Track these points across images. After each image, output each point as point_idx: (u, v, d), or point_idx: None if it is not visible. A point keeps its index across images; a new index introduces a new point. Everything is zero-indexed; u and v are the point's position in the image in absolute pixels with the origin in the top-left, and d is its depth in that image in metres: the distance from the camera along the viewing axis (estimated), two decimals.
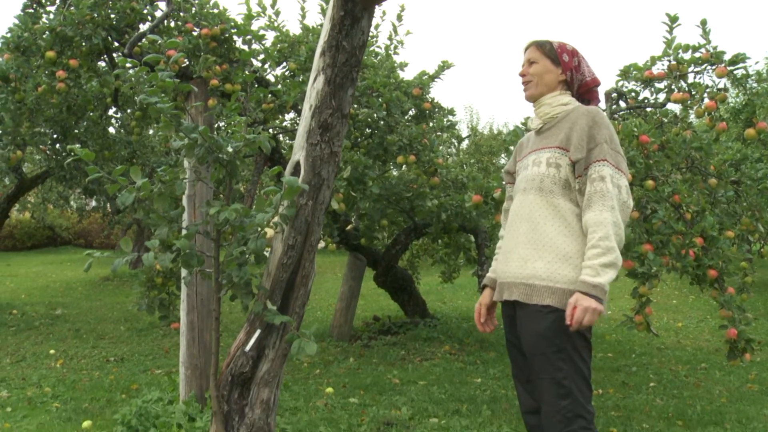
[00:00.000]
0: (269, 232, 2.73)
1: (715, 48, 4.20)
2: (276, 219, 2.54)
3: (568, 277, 2.16)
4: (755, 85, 4.36)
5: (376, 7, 2.68)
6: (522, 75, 2.45)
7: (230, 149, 2.63)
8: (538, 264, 2.21)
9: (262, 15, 5.39)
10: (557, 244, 2.20)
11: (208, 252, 2.75)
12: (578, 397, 2.13)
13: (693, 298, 9.28)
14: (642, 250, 3.59)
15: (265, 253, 2.61)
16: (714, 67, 4.12)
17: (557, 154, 2.26)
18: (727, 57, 4.11)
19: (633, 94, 5.04)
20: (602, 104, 5.06)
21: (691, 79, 4.36)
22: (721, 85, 4.18)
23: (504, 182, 2.71)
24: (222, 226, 2.63)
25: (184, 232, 2.66)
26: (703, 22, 4.23)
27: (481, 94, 40.18)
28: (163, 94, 2.52)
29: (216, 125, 4.74)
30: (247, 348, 2.62)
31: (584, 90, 2.43)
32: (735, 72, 4.10)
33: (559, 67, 2.38)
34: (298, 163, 2.58)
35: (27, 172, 8.92)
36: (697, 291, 9.64)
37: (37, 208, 15.57)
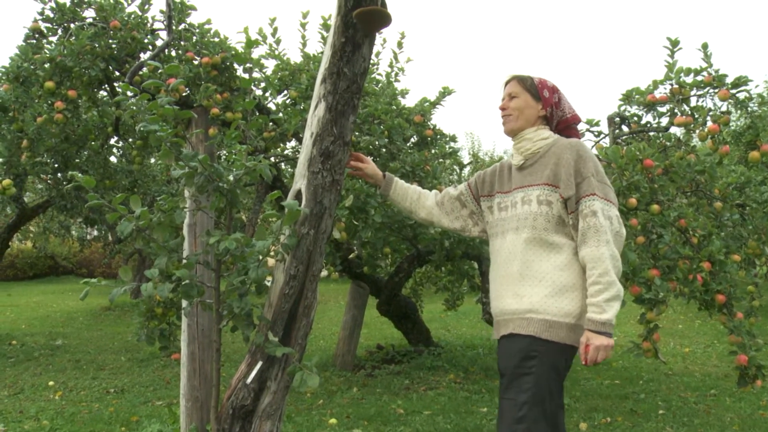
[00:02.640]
0: (271, 261, 2.69)
1: (716, 71, 4.19)
2: (278, 248, 2.50)
3: (565, 309, 2.19)
4: (756, 108, 4.33)
5: (377, 34, 2.67)
6: (502, 109, 2.48)
7: (231, 178, 2.60)
8: (535, 298, 2.22)
9: (263, 43, 5.41)
10: (553, 278, 2.22)
11: (209, 282, 2.71)
12: (533, 427, 2.11)
13: (699, 322, 9.19)
14: (649, 275, 3.54)
15: (266, 282, 2.57)
16: (716, 91, 4.10)
17: (547, 191, 2.28)
18: (729, 80, 4.10)
19: (635, 118, 5.02)
20: (603, 129, 5.06)
21: (693, 102, 4.34)
22: (723, 108, 4.16)
23: (461, 186, 2.72)
24: (222, 255, 2.58)
25: (184, 261, 2.62)
26: (704, 46, 4.23)
27: (483, 120, 40.37)
28: (163, 123, 2.49)
29: (217, 154, 4.72)
30: (249, 380, 2.56)
31: (563, 126, 2.46)
32: (737, 95, 4.08)
33: (539, 103, 2.41)
34: (299, 192, 2.54)
35: (28, 202, 8.91)
36: (703, 316, 9.56)
37: (39, 237, 15.54)
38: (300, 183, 2.54)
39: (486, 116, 40.00)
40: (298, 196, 2.55)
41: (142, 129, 2.57)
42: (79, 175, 2.48)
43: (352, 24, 2.46)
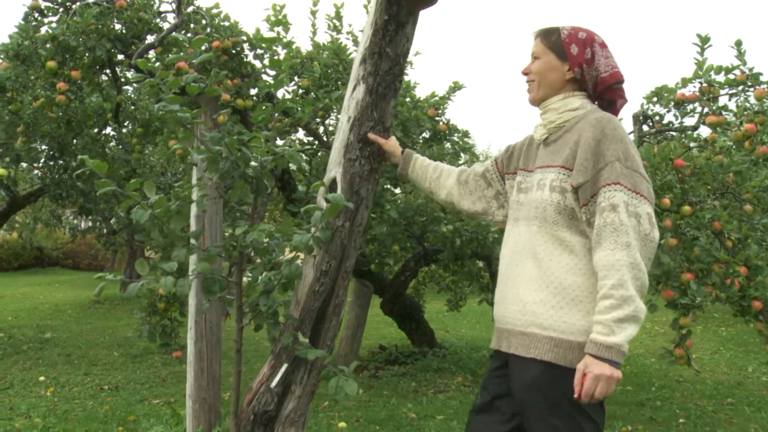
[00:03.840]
0: (288, 254, 2.49)
1: (751, 69, 4.04)
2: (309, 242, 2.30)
3: (576, 325, 1.76)
4: None
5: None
6: (524, 73, 2.04)
7: (256, 164, 2.40)
8: (540, 308, 1.81)
9: (272, 30, 5.21)
10: (564, 284, 1.79)
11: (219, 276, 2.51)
12: None
13: (701, 328, 9.07)
14: (683, 279, 3.38)
15: None
16: (752, 89, 3.95)
17: (562, 176, 1.84)
18: (765, 78, 3.96)
19: (657, 117, 4.88)
20: (628, 123, 4.90)
21: (723, 101, 4.20)
22: (757, 108, 4.01)
23: (488, 161, 2.29)
24: (246, 248, 2.39)
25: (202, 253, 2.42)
26: (738, 43, 4.08)
27: (492, 116, 40.21)
28: (191, 103, 2.30)
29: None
30: (273, 384, 2.36)
31: (603, 88, 1.95)
32: None
33: (566, 63, 1.93)
34: (334, 180, 2.34)
35: (20, 190, 8.62)
36: (705, 321, 9.46)
37: (25, 227, 15.21)
38: (335, 171, 2.35)
39: (495, 111, 39.75)
40: (332, 185, 2.35)
41: (158, 110, 2.36)
42: (89, 159, 2.28)
43: (397, 1, 2.27)
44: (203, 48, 4.34)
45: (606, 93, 1.97)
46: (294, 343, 2.27)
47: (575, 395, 1.68)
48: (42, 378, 5.61)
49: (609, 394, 1.66)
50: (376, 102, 2.30)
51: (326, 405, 4.83)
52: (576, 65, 1.93)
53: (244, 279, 2.46)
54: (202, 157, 2.37)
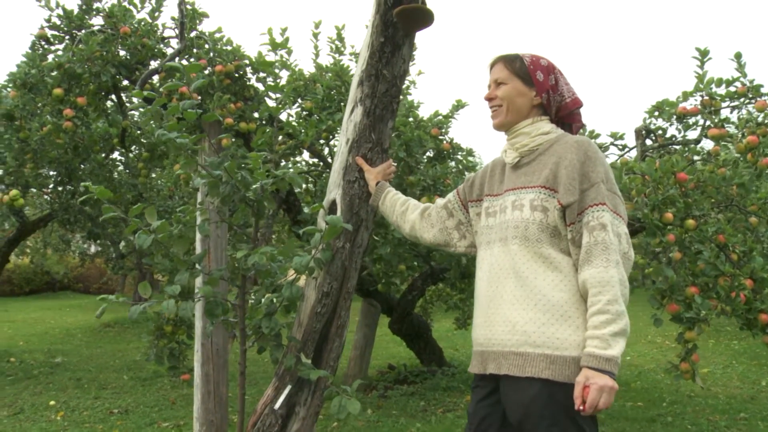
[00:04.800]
0: (291, 275, 2.51)
1: (751, 81, 4.05)
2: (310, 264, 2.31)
3: (569, 340, 1.77)
4: None
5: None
6: (488, 98, 2.06)
7: (257, 188, 2.42)
8: (530, 327, 1.81)
9: (274, 53, 5.26)
10: (552, 301, 1.81)
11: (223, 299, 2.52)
12: None
13: (713, 342, 9.00)
14: (688, 293, 3.36)
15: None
16: (753, 101, 3.96)
17: (543, 195, 1.87)
18: (765, 90, 3.96)
19: (660, 131, 4.89)
20: (630, 137, 4.91)
21: (725, 113, 4.20)
22: (759, 120, 4.02)
23: (450, 193, 2.29)
24: (249, 271, 2.41)
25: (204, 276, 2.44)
26: (738, 56, 4.09)
27: (492, 136, 40.30)
28: (184, 130, 2.32)
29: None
30: (277, 406, 2.37)
31: (564, 113, 2.03)
32: None
33: (532, 89, 1.98)
34: (333, 202, 2.36)
35: (29, 215, 8.70)
36: (716, 335, 9.39)
37: (36, 252, 15.30)
38: (334, 193, 2.37)
39: (487, 132, 39.93)
40: (332, 206, 2.37)
41: (158, 137, 2.39)
42: (92, 186, 2.32)
43: (392, 23, 2.30)
44: (206, 72, 4.41)
45: (567, 118, 2.05)
46: (297, 365, 2.28)
47: (577, 407, 1.69)
48: (52, 402, 5.63)
49: (610, 404, 1.69)
50: (374, 123, 2.33)
51: (335, 425, 4.82)
52: (543, 91, 1.99)
53: (250, 301, 2.47)
54: (204, 182, 2.39)
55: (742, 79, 4.10)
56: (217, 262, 3.61)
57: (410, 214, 2.33)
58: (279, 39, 5.31)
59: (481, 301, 1.99)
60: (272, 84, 4.43)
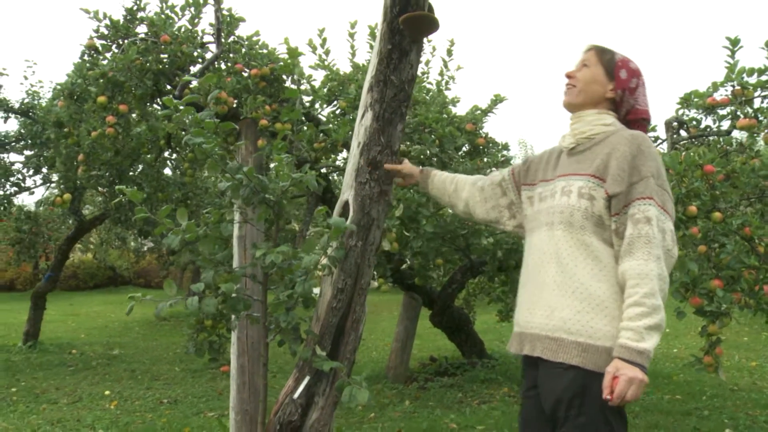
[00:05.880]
0: (320, 274, 2.64)
1: None
2: (324, 261, 2.45)
3: (603, 330, 1.81)
4: None
5: (425, 40, 2.60)
6: (568, 76, 2.12)
7: (277, 189, 2.56)
8: (567, 313, 1.86)
9: (313, 53, 5.41)
10: (590, 290, 1.85)
11: (256, 296, 2.67)
12: None
13: (766, 335, 8.81)
14: (711, 286, 3.37)
15: (314, 296, 2.52)
16: None
17: (591, 184, 1.91)
18: None
19: (694, 122, 4.84)
20: (661, 129, 4.88)
21: (757, 104, 4.15)
22: None
23: (505, 170, 2.36)
24: (269, 269, 2.55)
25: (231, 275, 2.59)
26: None
27: (536, 128, 39.88)
28: (214, 134, 2.47)
29: (266, 166, 4.72)
30: (296, 395, 2.51)
31: (632, 118, 2.07)
32: None
33: (611, 82, 2.04)
34: (346, 203, 2.49)
35: (87, 214, 9.13)
36: None
37: (99, 248, 15.93)
38: (347, 194, 2.49)
39: (539, 124, 39.49)
40: (345, 207, 2.50)
41: (187, 141, 2.56)
42: (126, 189, 2.49)
43: (399, 30, 2.40)
44: (244, 75, 4.58)
45: (633, 123, 2.07)
46: (312, 356, 2.41)
47: (605, 396, 1.73)
48: (107, 392, 5.93)
49: (638, 397, 1.72)
50: (383, 127, 2.44)
51: (372, 416, 4.96)
52: (620, 88, 2.04)
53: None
54: (226, 186, 2.54)
55: None
56: (250, 260, 3.78)
57: (462, 192, 2.45)
58: (317, 40, 5.48)
59: (525, 285, 2.07)
60: (295, 89, 4.56)
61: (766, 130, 3.90)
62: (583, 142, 2.03)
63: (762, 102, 4.11)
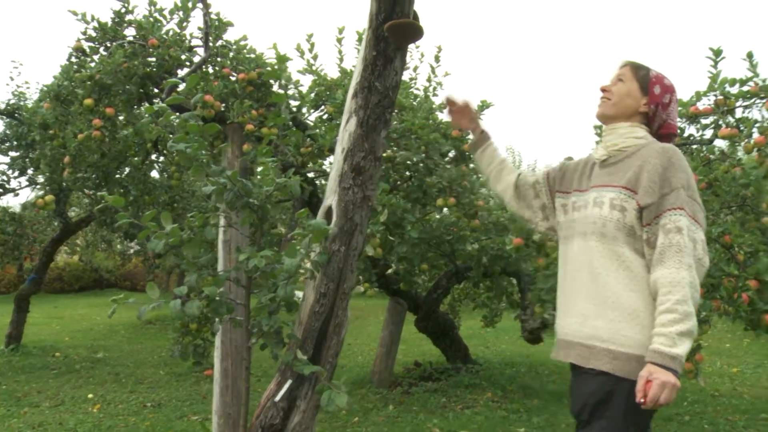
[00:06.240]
0: (303, 278, 2.66)
1: (764, 81, 4.06)
2: (307, 265, 2.46)
3: (635, 339, 1.87)
4: None
5: (409, 47, 2.63)
6: (603, 89, 2.17)
7: (261, 194, 2.58)
8: (599, 322, 1.93)
9: (301, 58, 5.43)
10: (622, 300, 1.91)
11: (240, 299, 2.69)
12: None
13: (748, 341, 8.89)
14: None
15: (296, 300, 2.54)
16: (764, 101, 3.96)
17: (623, 196, 1.96)
18: None
19: (678, 131, 4.89)
20: None
21: (739, 113, 4.21)
22: None
23: (539, 173, 2.40)
24: (252, 272, 2.56)
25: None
26: (750, 55, 4.10)
27: (523, 135, 40.06)
28: (198, 138, 2.48)
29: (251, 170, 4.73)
30: (278, 399, 2.53)
31: (665, 132, 2.13)
32: None
33: (645, 97, 2.09)
34: (330, 208, 2.51)
35: (73, 217, 9.10)
36: (752, 334, 9.24)
37: (85, 251, 15.85)
38: (331, 199, 2.51)
39: (526, 130, 39.67)
40: (328, 212, 2.51)
41: (170, 147, 2.57)
42: (107, 195, 2.50)
43: (384, 37, 2.43)
44: (232, 79, 4.59)
45: (664, 138, 2.13)
46: (294, 361, 2.43)
47: (638, 400, 1.77)
48: (90, 395, 5.90)
49: (671, 401, 1.77)
50: (367, 133, 2.46)
51: (356, 421, 4.97)
52: (653, 103, 2.09)
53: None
54: (210, 189, 2.55)
55: (755, 78, 4.11)
56: (234, 264, 3.79)
57: (506, 177, 2.46)
58: (306, 45, 5.51)
59: (561, 294, 2.14)
60: (281, 94, 4.58)
61: (746, 140, 3.95)
62: (615, 154, 2.09)
63: (743, 112, 4.16)
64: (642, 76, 2.12)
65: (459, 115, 2.53)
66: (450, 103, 2.52)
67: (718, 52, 4.17)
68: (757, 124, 3.90)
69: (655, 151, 1.97)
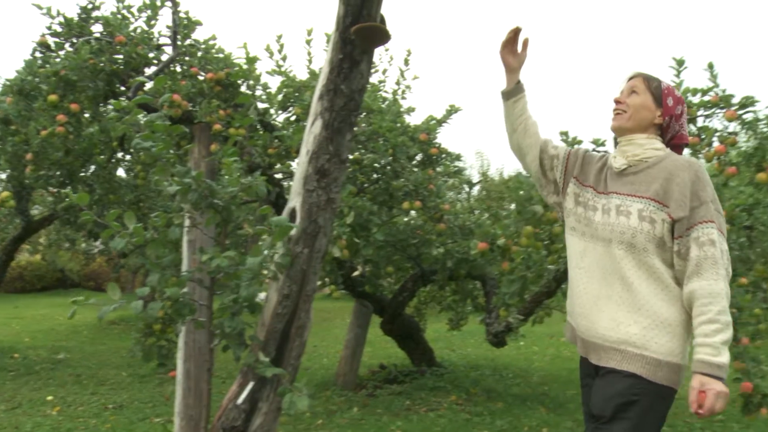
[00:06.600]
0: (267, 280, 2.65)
1: (723, 91, 4.15)
2: (271, 267, 2.46)
3: (665, 346, 1.95)
4: (766, 128, 4.27)
5: (381, 49, 2.64)
6: (617, 102, 2.19)
7: (225, 195, 2.57)
8: (633, 329, 1.99)
9: (271, 59, 5.42)
10: (655, 309, 1.98)
11: (203, 300, 2.67)
12: None
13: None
14: None
15: (259, 302, 2.53)
16: (724, 111, 4.05)
17: (652, 207, 2.01)
18: (735, 100, 4.06)
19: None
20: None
21: (700, 122, 4.29)
22: (731, 129, 4.11)
23: (561, 149, 2.33)
24: (215, 273, 2.55)
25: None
26: (710, 66, 4.19)
27: (492, 139, 40.33)
28: (166, 137, 2.46)
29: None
30: (240, 401, 2.52)
31: (677, 142, 2.19)
32: (744, 116, 4.03)
33: (659, 109, 2.13)
34: (293, 210, 2.51)
35: (36, 215, 8.92)
36: None
37: (48, 250, 15.57)
38: (295, 201, 2.51)
39: (494, 135, 39.99)
40: (292, 214, 2.51)
41: (135, 146, 2.56)
42: (71, 192, 2.47)
43: (350, 40, 2.43)
44: (200, 78, 4.56)
45: (676, 148, 2.19)
46: (256, 362, 2.42)
47: (693, 411, 1.87)
48: (50, 398, 5.80)
49: (724, 409, 1.88)
50: (332, 136, 2.47)
51: (319, 423, 4.97)
52: (667, 115, 2.13)
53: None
54: (175, 189, 2.54)
55: (715, 89, 4.20)
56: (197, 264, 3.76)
57: (535, 135, 2.35)
58: (275, 46, 5.49)
59: (582, 295, 2.15)
60: (247, 94, 4.57)
61: (707, 148, 4.03)
62: (635, 164, 2.11)
63: (704, 121, 4.25)
64: (654, 87, 2.15)
65: (512, 53, 2.33)
66: (514, 36, 2.30)
67: (680, 62, 4.25)
68: (717, 133, 3.99)
69: (682, 165, 2.02)
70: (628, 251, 2.02)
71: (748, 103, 3.99)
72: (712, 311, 1.88)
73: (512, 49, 2.30)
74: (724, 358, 1.85)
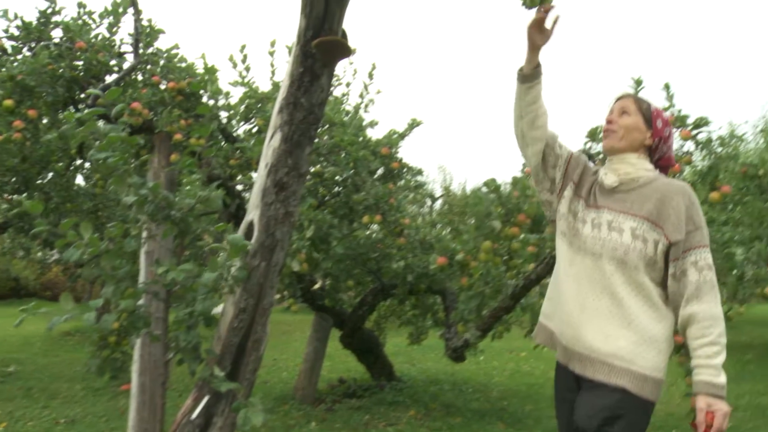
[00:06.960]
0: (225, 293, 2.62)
1: (679, 111, 4.25)
2: (228, 281, 2.44)
3: (652, 361, 2.00)
4: (719, 149, 4.38)
5: (345, 62, 2.65)
6: (609, 122, 2.20)
7: (182, 206, 2.54)
8: (621, 342, 2.02)
9: (234, 69, 5.40)
10: (643, 325, 2.02)
11: (159, 313, 2.63)
12: None
13: (674, 358, 9.20)
14: None
15: (216, 315, 2.50)
16: (680, 130, 4.15)
17: (645, 227, 2.05)
18: (690, 120, 4.16)
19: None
20: None
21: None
22: (686, 148, 4.21)
23: (566, 150, 2.28)
24: (171, 286, 2.52)
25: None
26: (667, 86, 4.30)
27: (455, 154, 40.65)
28: (123, 147, 2.43)
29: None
30: (194, 415, 2.48)
31: (664, 164, 2.24)
32: (698, 135, 4.14)
33: (649, 130, 2.16)
34: (251, 223, 2.49)
35: None
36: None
37: (2, 258, 15.19)
38: (253, 214, 2.50)
39: (457, 149, 40.28)
40: (250, 227, 2.50)
41: (91, 156, 2.52)
42: (25, 200, 2.43)
43: (311, 54, 2.44)
44: (161, 88, 4.51)
45: (662, 169, 2.24)
46: (211, 377, 2.39)
47: (700, 431, 1.93)
48: None
49: (726, 428, 1.94)
50: (291, 149, 2.46)
51: None
52: (657, 136, 2.18)
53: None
54: (131, 200, 2.51)
55: (671, 109, 4.30)
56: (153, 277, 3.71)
57: (545, 127, 2.26)
58: (238, 56, 5.48)
59: (569, 302, 2.15)
60: (207, 105, 4.54)
61: None
62: (627, 183, 2.14)
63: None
64: (645, 109, 2.19)
65: (540, 30, 2.18)
66: (544, 14, 2.15)
67: (639, 82, 4.34)
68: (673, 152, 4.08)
69: (676, 188, 2.07)
70: (618, 267, 2.05)
71: (701, 123, 4.10)
72: (713, 334, 1.96)
73: (541, 27, 2.18)
74: (723, 378, 1.94)
